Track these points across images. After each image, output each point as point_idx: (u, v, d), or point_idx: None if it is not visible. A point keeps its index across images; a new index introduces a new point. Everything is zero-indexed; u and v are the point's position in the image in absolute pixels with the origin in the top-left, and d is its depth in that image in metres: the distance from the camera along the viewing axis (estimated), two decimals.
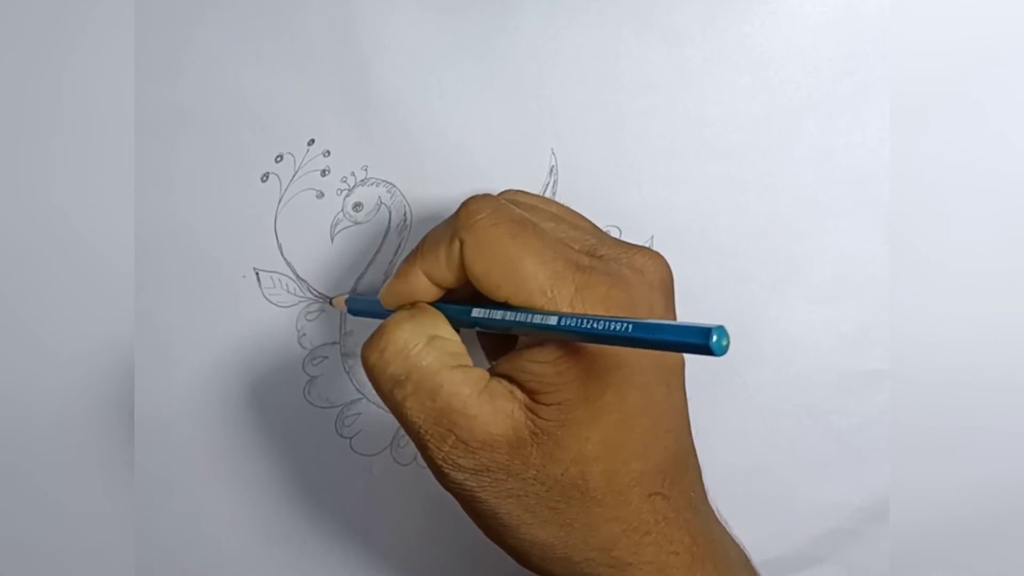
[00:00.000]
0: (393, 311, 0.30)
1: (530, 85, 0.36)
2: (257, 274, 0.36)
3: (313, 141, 0.36)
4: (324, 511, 0.39)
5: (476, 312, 0.28)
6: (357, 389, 0.38)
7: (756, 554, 0.40)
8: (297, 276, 0.37)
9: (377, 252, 0.37)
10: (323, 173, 0.36)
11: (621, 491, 0.28)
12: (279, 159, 0.36)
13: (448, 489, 0.28)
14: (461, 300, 0.30)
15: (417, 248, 0.30)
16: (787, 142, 0.38)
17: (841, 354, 0.40)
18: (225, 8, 0.34)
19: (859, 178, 0.38)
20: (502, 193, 0.32)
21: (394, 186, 0.36)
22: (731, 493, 0.40)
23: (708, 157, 0.37)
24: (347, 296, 0.36)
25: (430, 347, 0.28)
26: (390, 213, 0.37)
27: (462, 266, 0.28)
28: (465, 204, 0.28)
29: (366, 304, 0.34)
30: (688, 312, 0.39)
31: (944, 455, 0.33)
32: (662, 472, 0.28)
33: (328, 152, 0.36)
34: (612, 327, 0.24)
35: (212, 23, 0.34)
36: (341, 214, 0.36)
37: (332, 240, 0.36)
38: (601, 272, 0.28)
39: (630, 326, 0.23)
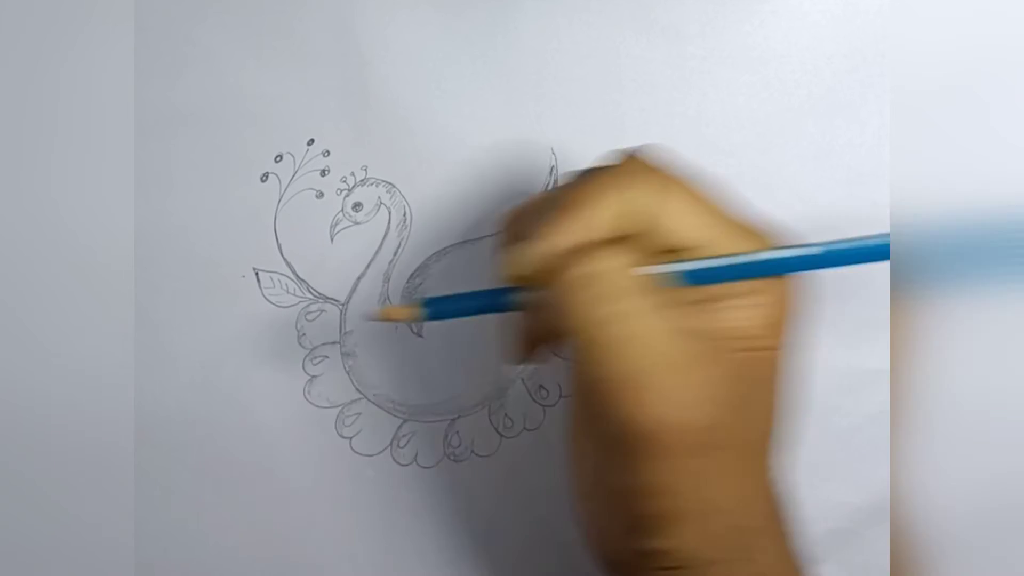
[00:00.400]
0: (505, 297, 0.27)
1: (530, 85, 0.36)
2: (257, 274, 0.36)
3: (313, 141, 0.36)
4: (324, 511, 0.39)
5: (693, 265, 0.26)
6: (357, 389, 0.38)
7: None
8: (297, 276, 0.37)
9: (377, 252, 0.37)
10: (323, 173, 0.36)
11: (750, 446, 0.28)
12: (279, 159, 0.36)
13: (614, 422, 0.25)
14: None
15: (568, 207, 0.25)
16: (787, 141, 0.38)
17: (841, 353, 0.40)
18: (225, 8, 0.34)
19: (859, 178, 0.38)
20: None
21: (394, 186, 0.36)
22: None
23: (708, 156, 0.37)
24: (419, 301, 0.29)
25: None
26: (390, 213, 0.37)
27: (651, 220, 0.25)
28: (634, 153, 0.26)
29: (454, 302, 0.29)
30: None
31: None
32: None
33: (328, 152, 0.36)
34: (807, 252, 0.27)
35: (212, 23, 0.34)
36: (341, 214, 0.36)
37: (332, 240, 0.36)
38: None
39: (821, 249, 0.28)
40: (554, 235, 0.25)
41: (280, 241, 0.36)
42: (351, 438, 0.38)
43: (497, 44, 0.36)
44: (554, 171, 0.37)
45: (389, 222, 0.37)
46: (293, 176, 0.36)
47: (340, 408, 0.38)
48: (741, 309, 0.26)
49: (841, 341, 0.39)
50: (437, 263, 0.37)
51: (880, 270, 0.39)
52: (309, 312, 0.37)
